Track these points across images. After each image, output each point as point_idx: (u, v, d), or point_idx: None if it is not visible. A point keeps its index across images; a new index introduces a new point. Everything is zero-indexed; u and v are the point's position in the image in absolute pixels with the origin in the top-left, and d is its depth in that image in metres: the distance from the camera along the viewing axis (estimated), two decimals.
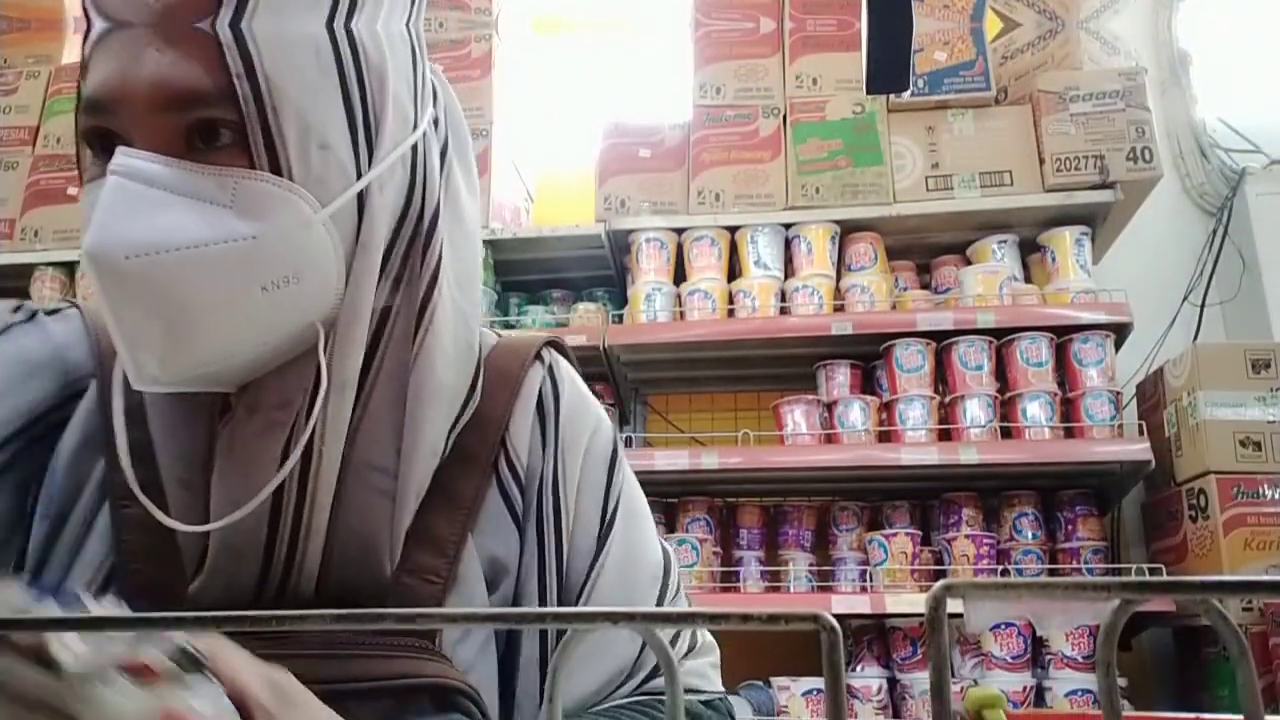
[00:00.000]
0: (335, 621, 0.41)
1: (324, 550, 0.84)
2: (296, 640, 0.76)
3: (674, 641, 0.98)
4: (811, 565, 3.55)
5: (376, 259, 0.83)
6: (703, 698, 0.99)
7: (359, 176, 0.81)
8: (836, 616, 0.39)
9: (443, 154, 0.91)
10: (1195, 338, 3.89)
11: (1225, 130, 4.24)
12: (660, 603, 0.99)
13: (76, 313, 0.93)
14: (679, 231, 3.70)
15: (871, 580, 3.31)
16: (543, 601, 0.91)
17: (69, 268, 4.02)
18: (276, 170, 0.76)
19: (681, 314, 3.62)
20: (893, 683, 3.26)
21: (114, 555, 0.82)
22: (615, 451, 1.02)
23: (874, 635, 3.34)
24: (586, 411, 1.01)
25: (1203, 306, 4.01)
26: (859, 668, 3.26)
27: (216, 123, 0.75)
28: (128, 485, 0.80)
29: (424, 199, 0.87)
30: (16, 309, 0.92)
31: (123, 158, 0.72)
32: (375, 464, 0.84)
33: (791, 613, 0.39)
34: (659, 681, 0.95)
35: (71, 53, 4.61)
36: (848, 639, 3.32)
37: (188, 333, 0.74)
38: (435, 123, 0.91)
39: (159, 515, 0.78)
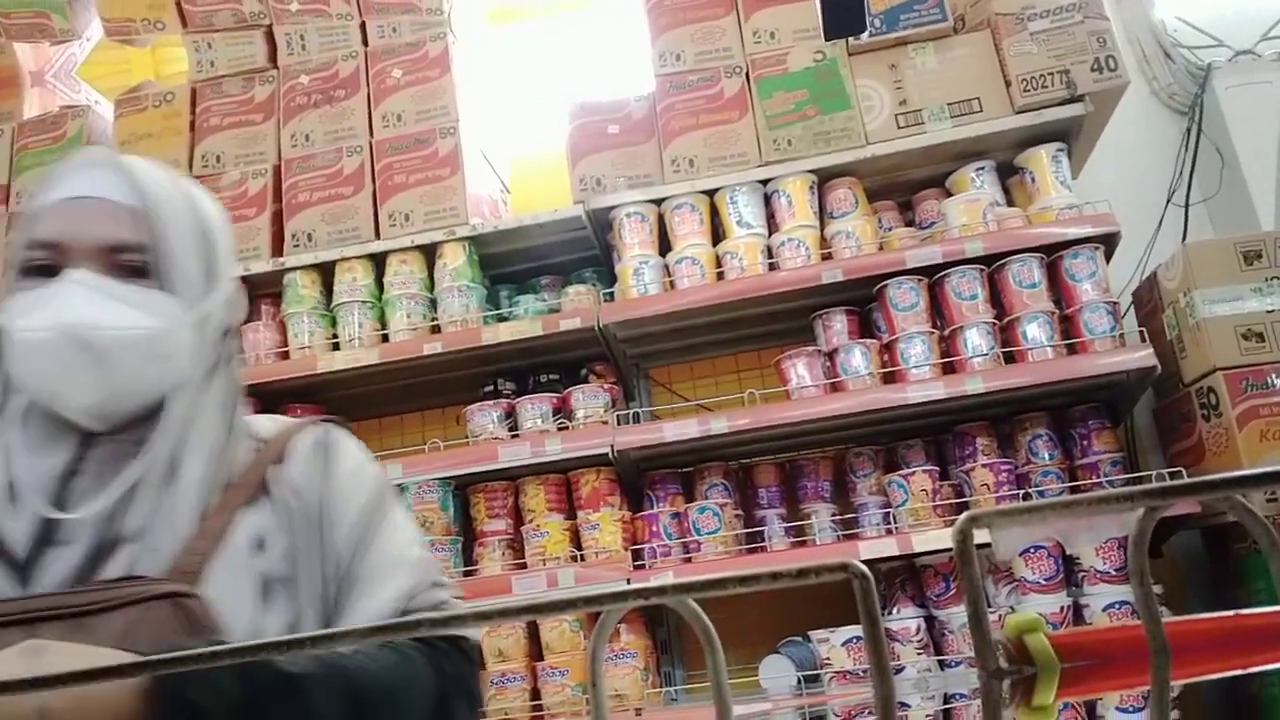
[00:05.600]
0: (372, 634, 0.41)
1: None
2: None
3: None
4: (834, 515, 3.56)
5: (213, 355, 1.32)
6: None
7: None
8: (865, 562, 0.39)
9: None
10: (1184, 238, 3.89)
11: (1186, 28, 4.23)
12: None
13: None
14: (658, 202, 3.69)
15: (895, 522, 3.32)
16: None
17: None
18: (167, 290, 1.27)
19: (672, 284, 3.61)
20: (930, 620, 3.27)
21: None
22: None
23: (906, 576, 3.35)
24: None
25: (1186, 206, 4.01)
26: (895, 610, 3.27)
27: (133, 262, 1.25)
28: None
29: (233, 325, 1.38)
30: None
31: (81, 273, 1.22)
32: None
33: (820, 564, 0.39)
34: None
35: (31, 108, 4.58)
36: (880, 583, 3.32)
37: (109, 379, 1.22)
38: None
39: (46, 511, 1.19)
